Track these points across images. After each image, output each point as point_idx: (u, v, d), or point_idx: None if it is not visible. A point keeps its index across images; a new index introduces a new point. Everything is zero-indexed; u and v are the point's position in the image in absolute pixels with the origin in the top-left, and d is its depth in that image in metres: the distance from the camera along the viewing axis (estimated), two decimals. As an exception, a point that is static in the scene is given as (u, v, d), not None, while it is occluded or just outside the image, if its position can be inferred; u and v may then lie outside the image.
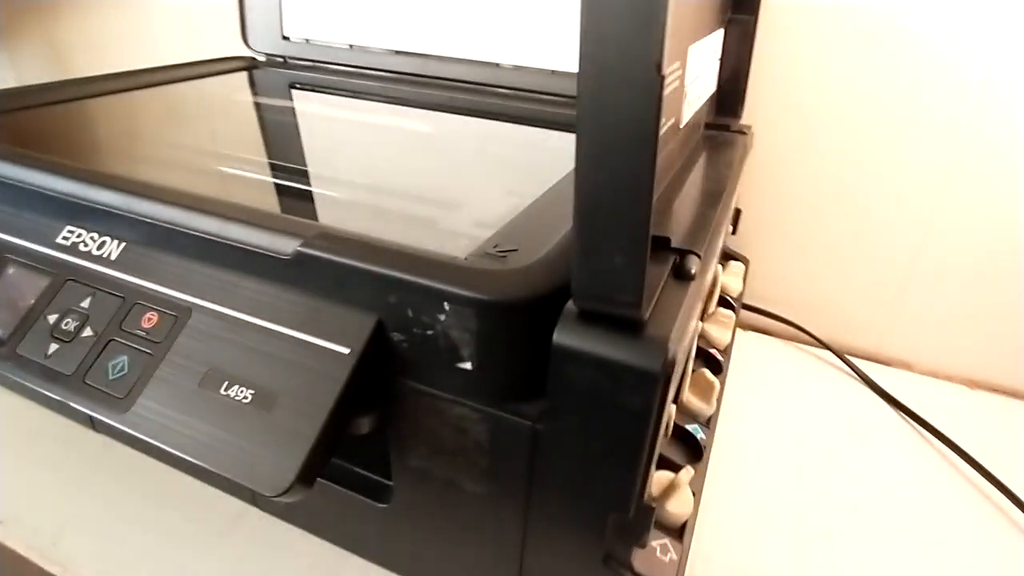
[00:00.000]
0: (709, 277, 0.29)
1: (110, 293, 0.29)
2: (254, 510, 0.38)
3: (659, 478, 0.29)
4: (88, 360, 0.28)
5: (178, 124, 0.50)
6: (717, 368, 0.40)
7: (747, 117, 0.50)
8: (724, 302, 0.46)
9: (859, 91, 0.50)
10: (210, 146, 0.46)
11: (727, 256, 0.52)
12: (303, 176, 0.41)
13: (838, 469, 0.44)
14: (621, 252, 0.20)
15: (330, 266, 0.25)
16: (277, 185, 0.39)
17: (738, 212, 0.54)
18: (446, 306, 0.24)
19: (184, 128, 0.49)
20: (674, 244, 0.26)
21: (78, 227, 0.31)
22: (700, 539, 0.37)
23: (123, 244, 0.30)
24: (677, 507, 0.29)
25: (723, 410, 0.48)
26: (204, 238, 0.28)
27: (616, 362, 0.21)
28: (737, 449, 0.45)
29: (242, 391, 0.25)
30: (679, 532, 0.29)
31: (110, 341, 0.28)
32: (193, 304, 0.28)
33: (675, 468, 0.31)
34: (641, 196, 0.19)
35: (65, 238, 0.31)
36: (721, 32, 0.46)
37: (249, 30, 0.64)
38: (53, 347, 0.29)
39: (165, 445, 0.25)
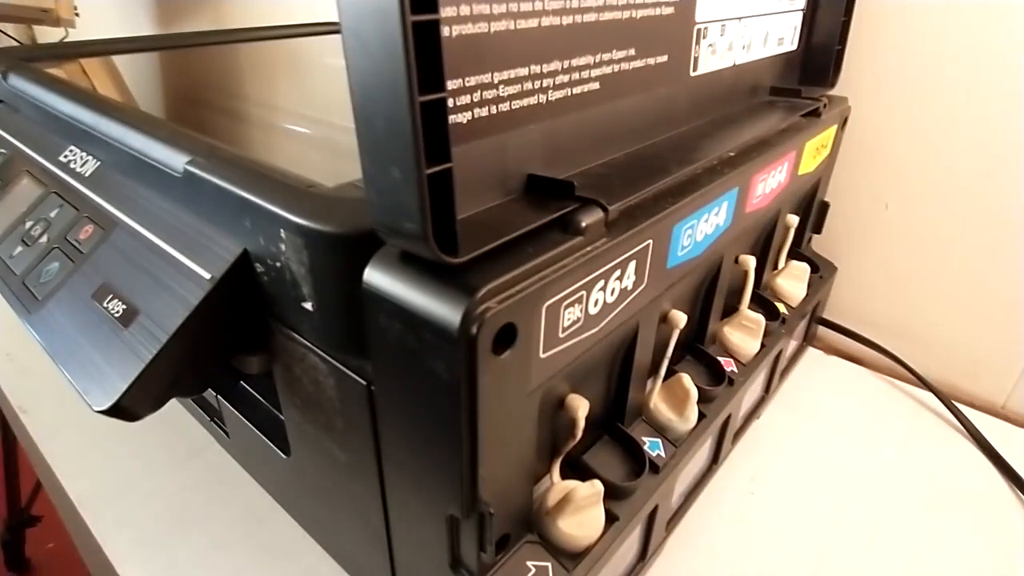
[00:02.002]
0: (643, 246, 0.22)
1: (72, 206, 0.31)
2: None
3: (559, 488, 0.24)
4: (33, 263, 0.29)
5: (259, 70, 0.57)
6: (719, 379, 0.32)
7: (850, 90, 0.41)
8: (772, 308, 0.38)
9: (1000, 74, 0.37)
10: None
11: (798, 257, 0.42)
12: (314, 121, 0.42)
13: (896, 552, 0.33)
14: (396, 164, 0.15)
15: (207, 186, 0.24)
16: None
17: (824, 205, 0.43)
18: (282, 233, 0.21)
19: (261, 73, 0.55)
20: (582, 193, 0.21)
21: (76, 147, 0.34)
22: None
23: (98, 163, 0.32)
24: (573, 527, 0.23)
25: (765, 445, 0.39)
26: (134, 154, 0.28)
27: (415, 312, 0.17)
28: (764, 496, 0.36)
29: (117, 305, 0.25)
30: (576, 558, 0.24)
31: (54, 248, 0.29)
32: (118, 219, 0.28)
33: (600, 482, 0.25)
34: (399, 93, 0.14)
35: (65, 156, 0.34)
36: (806, -23, 0.37)
37: None
38: (18, 249, 0.31)
39: (47, 347, 0.26)
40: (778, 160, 0.32)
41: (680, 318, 0.28)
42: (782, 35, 0.37)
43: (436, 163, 0.15)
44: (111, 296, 0.25)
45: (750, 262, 0.34)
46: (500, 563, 0.22)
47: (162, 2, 1.04)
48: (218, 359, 0.25)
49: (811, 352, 0.48)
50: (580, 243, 0.19)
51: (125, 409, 0.23)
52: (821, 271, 0.43)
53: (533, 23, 0.20)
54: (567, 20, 0.21)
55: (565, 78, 0.22)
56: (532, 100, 0.21)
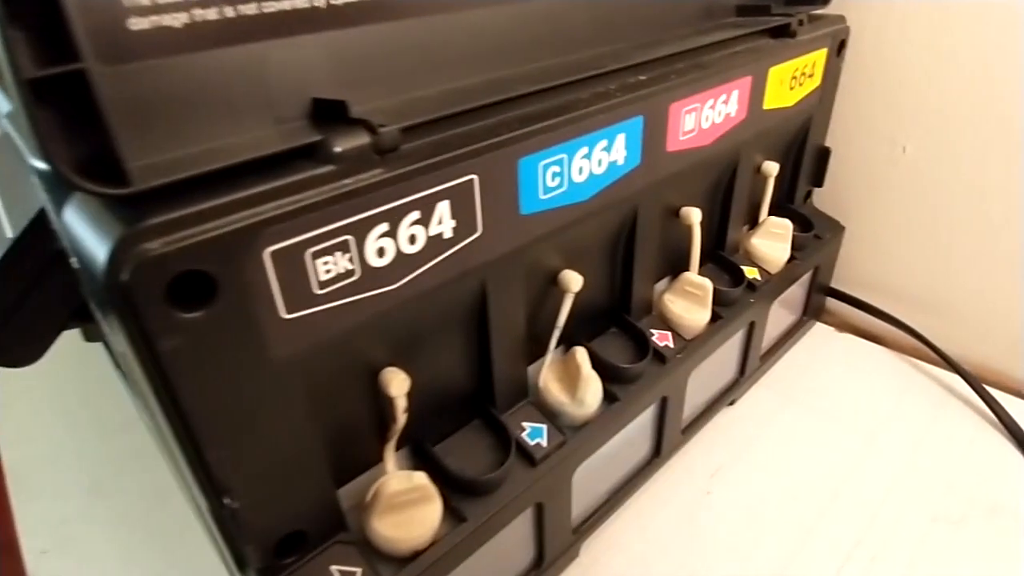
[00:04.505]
0: (460, 182, 0.18)
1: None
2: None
3: (381, 483, 0.20)
4: None
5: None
6: (642, 355, 0.26)
7: (853, 9, 0.33)
8: (737, 272, 0.32)
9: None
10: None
11: (786, 214, 0.35)
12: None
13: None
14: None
15: (11, 140, 0.22)
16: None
17: (823, 152, 0.36)
18: (34, 179, 0.18)
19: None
20: (359, 114, 0.16)
21: None
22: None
23: None
24: (389, 528, 0.19)
25: (736, 437, 0.33)
26: None
27: (85, 256, 0.14)
28: (724, 497, 0.31)
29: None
30: (402, 564, 0.20)
31: None
32: None
33: (436, 482, 0.21)
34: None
35: None
36: None
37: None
38: None
39: None
40: (718, 87, 0.26)
41: (572, 280, 0.23)
42: (745, -61, 0.30)
43: (47, 65, 0.12)
44: None
45: (693, 215, 0.28)
46: (292, 566, 0.19)
47: None
48: (45, 326, 0.23)
49: (818, 328, 0.40)
50: (329, 174, 0.15)
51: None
52: (817, 230, 0.36)
53: None
54: None
55: (355, -25, 0.18)
56: (298, 2, 0.17)
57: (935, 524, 0.28)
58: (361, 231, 0.16)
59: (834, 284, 0.40)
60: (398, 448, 0.22)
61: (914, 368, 0.37)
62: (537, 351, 0.25)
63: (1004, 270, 0.34)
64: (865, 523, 0.29)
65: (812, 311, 0.39)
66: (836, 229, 0.37)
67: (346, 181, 0.16)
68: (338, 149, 0.16)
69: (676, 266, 0.30)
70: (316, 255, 0.16)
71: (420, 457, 0.22)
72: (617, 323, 0.28)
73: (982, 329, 0.36)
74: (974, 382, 0.34)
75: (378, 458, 0.21)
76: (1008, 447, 0.32)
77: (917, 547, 0.27)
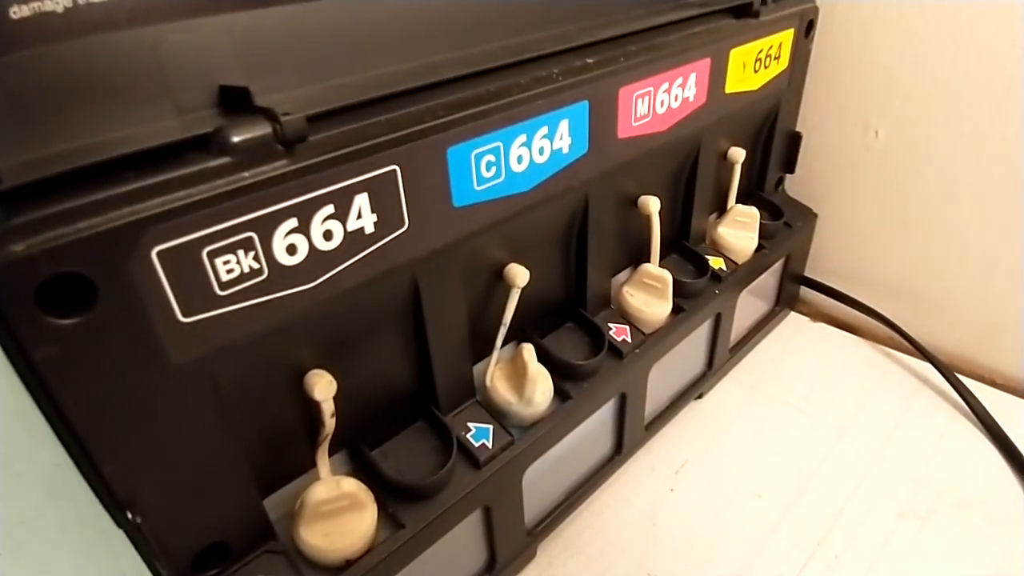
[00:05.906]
0: (378, 173, 0.17)
1: None
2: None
3: (308, 491, 0.19)
4: None
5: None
6: (597, 350, 0.25)
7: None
8: (701, 263, 0.30)
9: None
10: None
11: (757, 201, 0.34)
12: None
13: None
14: None
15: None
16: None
17: (794, 137, 0.35)
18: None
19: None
20: (265, 102, 0.15)
21: None
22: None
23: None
24: (318, 537, 0.18)
25: (703, 432, 0.32)
26: None
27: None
28: (686, 494, 0.30)
29: None
30: (334, 572, 0.19)
31: None
32: None
33: (373, 487, 0.20)
34: None
35: None
36: None
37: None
38: None
39: None
40: (673, 69, 0.25)
41: (518, 275, 0.22)
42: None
43: None
44: None
45: (651, 205, 0.27)
46: (213, 578, 0.18)
47: None
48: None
49: (792, 318, 0.40)
50: (224, 166, 0.14)
51: None
52: (788, 217, 0.35)
53: None
54: None
55: (261, -49, 0.16)
56: (192, -19, 0.16)
57: (902, 520, 0.28)
58: (266, 227, 0.15)
59: (808, 273, 0.39)
60: (336, 451, 0.21)
61: (887, 358, 0.36)
62: (485, 349, 0.24)
63: (978, 257, 0.33)
64: (830, 520, 0.28)
65: (785, 301, 0.38)
66: (808, 217, 0.36)
67: (244, 174, 0.15)
68: (235, 139, 0.14)
69: (637, 257, 0.29)
70: (214, 254, 0.15)
71: (357, 461, 0.21)
72: (573, 318, 0.27)
73: (956, 317, 0.35)
74: (947, 371, 0.33)
75: (312, 463, 0.20)
76: (979, 437, 0.31)
77: (882, 544, 0.27)
